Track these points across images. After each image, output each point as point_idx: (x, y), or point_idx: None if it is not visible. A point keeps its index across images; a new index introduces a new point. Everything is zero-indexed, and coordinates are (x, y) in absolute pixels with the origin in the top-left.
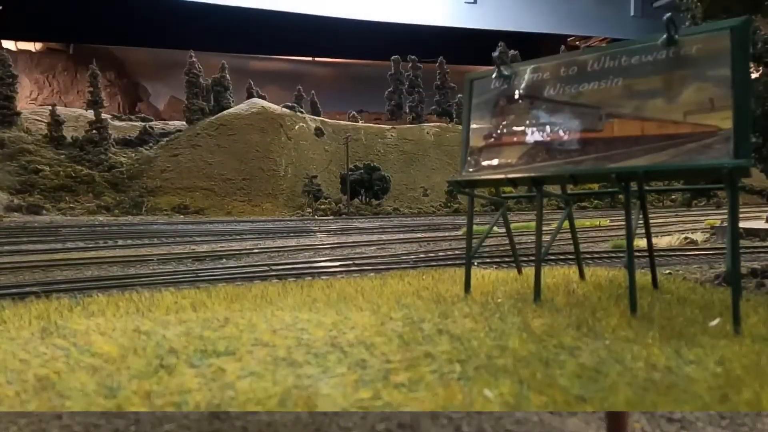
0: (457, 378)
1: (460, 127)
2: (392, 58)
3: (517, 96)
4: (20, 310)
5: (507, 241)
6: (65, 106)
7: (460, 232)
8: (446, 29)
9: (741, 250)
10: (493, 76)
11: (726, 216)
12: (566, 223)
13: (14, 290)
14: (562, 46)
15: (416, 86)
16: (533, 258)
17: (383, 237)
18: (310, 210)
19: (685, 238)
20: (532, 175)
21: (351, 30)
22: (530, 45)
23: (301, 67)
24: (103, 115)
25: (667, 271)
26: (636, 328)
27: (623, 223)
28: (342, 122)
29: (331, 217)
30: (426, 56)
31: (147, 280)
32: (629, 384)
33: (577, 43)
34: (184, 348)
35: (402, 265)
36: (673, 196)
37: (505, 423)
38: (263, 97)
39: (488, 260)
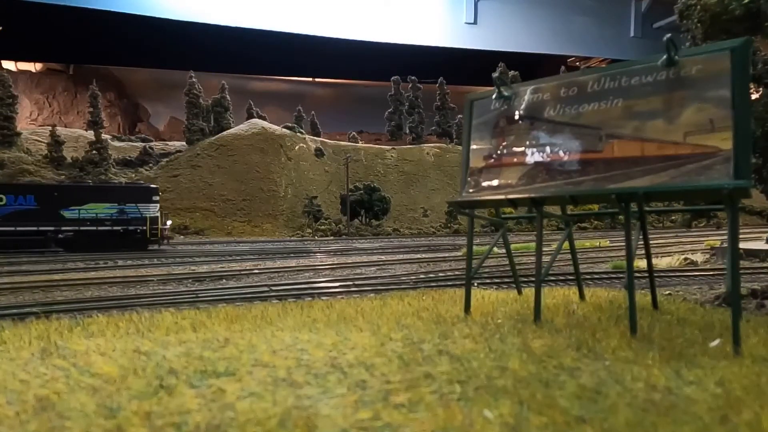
0: (457, 399)
1: (460, 147)
2: (392, 78)
3: (517, 117)
4: (20, 331)
5: (507, 262)
6: (65, 126)
7: (460, 253)
8: (446, 50)
9: (741, 271)
10: (494, 96)
11: (726, 237)
12: (566, 244)
13: (14, 311)
14: (562, 67)
15: (416, 107)
16: (533, 279)
17: (383, 258)
18: (310, 230)
19: (685, 259)
20: (532, 195)
21: (351, 51)
22: (530, 66)
23: (301, 88)
24: (103, 136)
25: (667, 292)
26: (636, 348)
27: (623, 243)
28: (342, 143)
29: (331, 237)
30: (426, 77)
31: (147, 301)
32: (629, 405)
33: (577, 63)
34: (184, 368)
35: (402, 286)
36: (673, 217)
37: None
38: (263, 118)
39: (488, 281)
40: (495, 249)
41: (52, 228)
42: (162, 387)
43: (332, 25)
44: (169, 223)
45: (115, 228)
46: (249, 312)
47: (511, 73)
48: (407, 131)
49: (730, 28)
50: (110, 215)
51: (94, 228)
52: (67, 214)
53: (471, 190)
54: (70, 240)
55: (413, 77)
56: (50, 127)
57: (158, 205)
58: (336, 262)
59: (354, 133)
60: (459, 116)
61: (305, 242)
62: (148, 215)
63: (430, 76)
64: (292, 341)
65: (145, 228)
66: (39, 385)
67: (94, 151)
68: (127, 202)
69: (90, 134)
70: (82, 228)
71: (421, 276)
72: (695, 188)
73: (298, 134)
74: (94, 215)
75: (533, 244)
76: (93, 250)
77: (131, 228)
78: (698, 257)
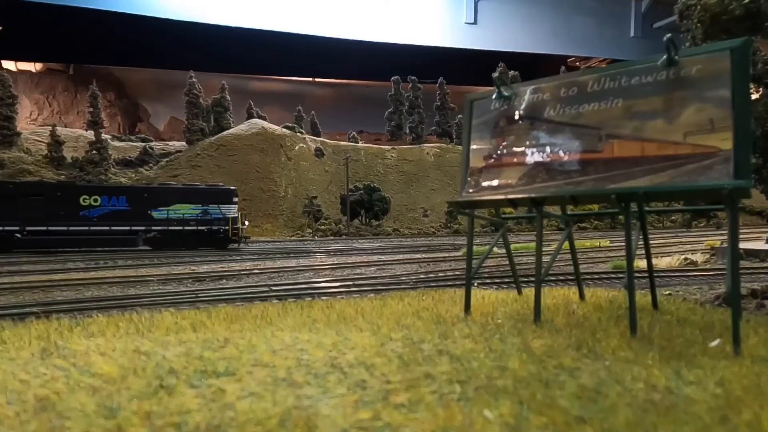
0: (457, 399)
1: (460, 147)
2: (392, 78)
3: (517, 117)
4: (20, 331)
5: (507, 262)
6: (65, 126)
7: (459, 253)
8: (446, 50)
9: (741, 271)
10: (493, 96)
11: (726, 237)
12: (566, 244)
13: (14, 311)
14: (563, 67)
15: (416, 107)
16: (533, 279)
17: (383, 258)
18: (310, 230)
19: (685, 259)
20: (532, 195)
21: (351, 51)
22: (530, 66)
23: (301, 88)
24: (103, 136)
25: (667, 292)
26: (636, 348)
27: (623, 243)
28: (342, 143)
29: (331, 237)
30: (426, 77)
31: (147, 301)
32: (629, 405)
33: (577, 63)
34: (184, 368)
35: (402, 286)
36: (673, 217)
37: None
38: (263, 118)
39: (488, 281)
40: (495, 249)
41: (142, 228)
42: (162, 387)
43: (332, 25)
44: (246, 223)
45: (199, 228)
46: (249, 312)
47: (511, 73)
48: (407, 131)
49: (730, 28)
50: (195, 216)
51: (181, 228)
52: (155, 214)
53: (471, 190)
54: (158, 239)
55: (413, 77)
56: (50, 127)
57: (237, 206)
58: (336, 262)
59: (354, 133)
60: (459, 116)
61: (305, 242)
62: (229, 216)
63: (430, 76)
64: (292, 341)
65: (227, 228)
66: (39, 385)
67: (94, 151)
68: (210, 203)
69: (90, 134)
70: (169, 228)
71: (421, 276)
72: (695, 188)
73: (298, 134)
74: (181, 215)
75: (533, 244)
76: (179, 248)
77: (214, 228)
78: (698, 257)
